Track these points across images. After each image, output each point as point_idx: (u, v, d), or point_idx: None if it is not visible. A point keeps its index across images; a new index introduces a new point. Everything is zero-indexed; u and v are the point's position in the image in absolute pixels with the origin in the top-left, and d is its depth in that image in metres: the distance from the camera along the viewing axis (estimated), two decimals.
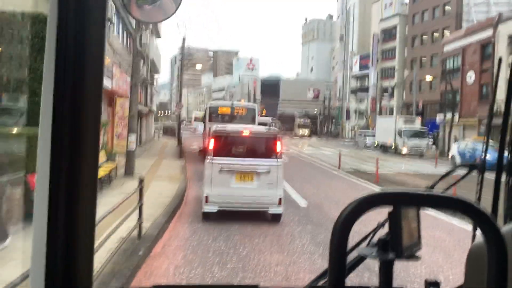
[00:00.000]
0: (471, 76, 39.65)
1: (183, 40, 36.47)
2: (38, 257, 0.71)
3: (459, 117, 40.36)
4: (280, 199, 8.94)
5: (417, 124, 38.96)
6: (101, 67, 0.74)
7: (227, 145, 9.25)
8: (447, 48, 45.14)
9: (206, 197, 8.84)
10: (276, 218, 9.21)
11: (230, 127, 9.91)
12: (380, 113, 61.19)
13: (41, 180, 0.71)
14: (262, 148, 9.33)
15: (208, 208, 8.89)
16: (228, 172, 8.87)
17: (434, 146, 42.10)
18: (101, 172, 12.39)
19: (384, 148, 39.62)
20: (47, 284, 0.71)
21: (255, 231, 8.54)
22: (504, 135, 1.50)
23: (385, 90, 61.55)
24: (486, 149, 1.58)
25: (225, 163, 8.89)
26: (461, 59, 42.11)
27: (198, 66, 40.21)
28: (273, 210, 9.02)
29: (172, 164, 19.85)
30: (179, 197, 11.47)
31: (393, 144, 37.53)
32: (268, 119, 48.23)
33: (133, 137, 15.29)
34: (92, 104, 0.73)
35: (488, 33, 37.70)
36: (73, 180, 0.71)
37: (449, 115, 41.31)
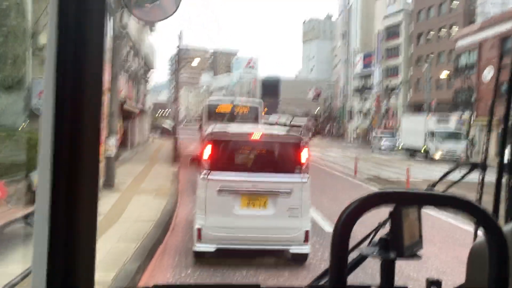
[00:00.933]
0: (488, 73, 36.89)
1: (180, 33, 33.88)
2: (39, 256, 0.70)
3: (475, 117, 37.60)
4: (307, 232, 6.15)
5: (451, 124, 33.33)
6: (101, 65, 0.73)
7: (230, 154, 6.48)
8: (461, 43, 42.42)
9: (199, 230, 6.05)
10: (300, 258, 6.43)
11: (234, 127, 7.05)
12: (386, 113, 58.72)
13: (42, 179, 0.70)
14: (280, 158, 6.57)
15: (202, 247, 6.10)
16: (230, 194, 6.10)
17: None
18: None
19: (411, 152, 33.83)
20: (48, 284, 0.70)
21: (272, 282, 5.76)
22: (505, 135, 1.50)
23: (392, 88, 59.04)
24: (487, 149, 1.60)
25: (227, 181, 6.13)
26: (477, 54, 39.37)
27: (196, 61, 37.32)
28: (296, 249, 6.22)
29: (163, 171, 17.07)
30: (165, 220, 8.69)
31: (423, 147, 31.95)
32: (303, 120, 43.50)
33: (112, 140, 12.50)
34: (93, 104, 0.73)
35: (508, 25, 34.96)
36: (74, 180, 0.71)
37: (464, 115, 38.79)
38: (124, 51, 23.21)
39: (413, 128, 33.61)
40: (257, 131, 6.41)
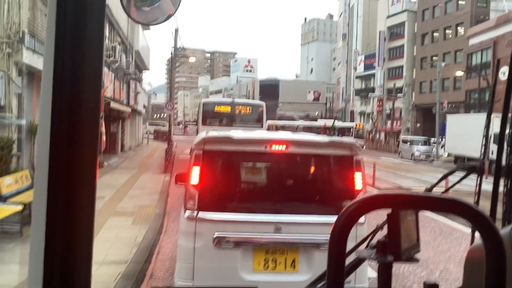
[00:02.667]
0: (505, 72, 34.51)
1: (176, 31, 31.51)
2: (36, 257, 0.70)
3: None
4: None
5: None
6: (100, 67, 0.73)
7: (234, 178, 3.97)
8: (473, 41, 40.10)
9: None
10: None
11: (238, 134, 4.37)
12: (390, 116, 56.48)
13: (39, 181, 0.70)
14: (319, 184, 4.06)
15: None
16: (236, 247, 3.60)
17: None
18: (15, 207, 7.15)
19: (462, 162, 26.65)
20: (45, 285, 0.70)
21: None
22: (502, 138, 1.47)
23: (397, 90, 56.94)
24: (485, 151, 1.61)
25: (229, 222, 3.63)
26: (491, 53, 37.03)
27: (192, 59, 35.06)
28: None
29: (151, 182, 14.54)
30: (141, 262, 6.17)
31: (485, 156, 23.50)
32: (352, 124, 37.41)
33: None
34: (91, 104, 0.72)
35: None
36: (71, 180, 0.71)
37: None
38: (109, 43, 20.74)
39: (466, 131, 25.81)
40: (279, 140, 3.83)
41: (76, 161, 0.70)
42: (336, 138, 3.98)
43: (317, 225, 3.64)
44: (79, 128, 0.70)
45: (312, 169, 4.09)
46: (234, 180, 3.94)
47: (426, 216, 10.20)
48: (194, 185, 3.65)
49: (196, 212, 3.60)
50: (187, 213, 3.63)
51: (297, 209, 3.78)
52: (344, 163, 3.77)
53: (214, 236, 3.57)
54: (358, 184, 3.69)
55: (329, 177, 4.03)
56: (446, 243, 8.18)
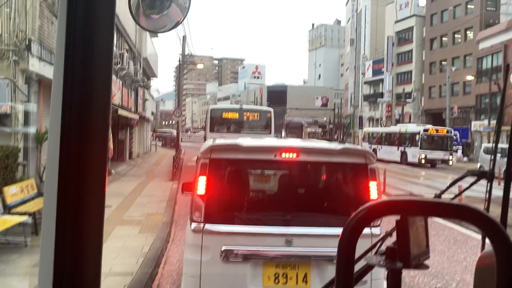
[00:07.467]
0: None
1: (184, 38, 31.54)
2: (46, 258, 0.71)
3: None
4: None
5: None
6: (109, 70, 0.73)
7: (243, 188, 3.79)
8: (484, 45, 39.70)
9: None
10: None
11: (247, 142, 4.17)
12: (400, 121, 56.15)
13: (49, 182, 0.71)
14: (331, 196, 3.87)
15: None
16: (244, 261, 3.42)
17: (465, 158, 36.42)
18: (17, 217, 7.06)
19: None
20: (55, 284, 0.70)
21: None
22: None
23: (407, 95, 56.56)
24: (495, 157, 1.56)
25: (237, 235, 3.46)
26: (502, 56, 36.60)
27: (200, 66, 35.09)
28: None
29: (158, 189, 14.41)
30: (147, 273, 6.01)
31: None
32: (418, 128, 30.25)
33: None
34: (101, 112, 0.72)
35: None
36: (81, 190, 0.71)
37: (485, 122, 36.21)
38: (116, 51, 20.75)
39: None
40: (289, 145, 3.66)
41: (85, 169, 0.70)
42: (349, 145, 3.79)
43: (330, 237, 3.45)
44: (89, 136, 0.70)
45: (324, 179, 3.91)
46: (243, 190, 3.77)
47: (440, 224, 9.96)
48: (200, 196, 3.48)
49: (202, 224, 3.43)
50: (193, 225, 3.47)
51: (308, 220, 3.60)
52: (358, 171, 3.59)
53: (222, 249, 3.40)
54: (373, 194, 3.50)
55: (342, 186, 3.84)
56: (461, 253, 7.94)
